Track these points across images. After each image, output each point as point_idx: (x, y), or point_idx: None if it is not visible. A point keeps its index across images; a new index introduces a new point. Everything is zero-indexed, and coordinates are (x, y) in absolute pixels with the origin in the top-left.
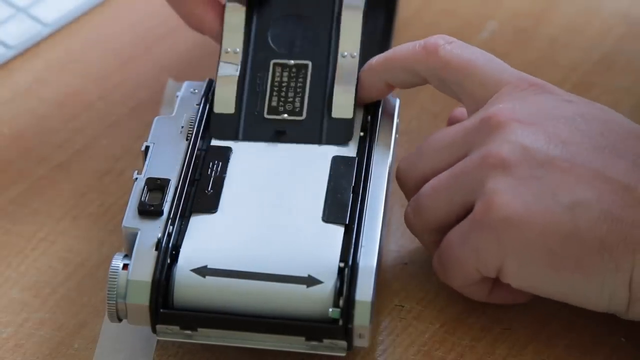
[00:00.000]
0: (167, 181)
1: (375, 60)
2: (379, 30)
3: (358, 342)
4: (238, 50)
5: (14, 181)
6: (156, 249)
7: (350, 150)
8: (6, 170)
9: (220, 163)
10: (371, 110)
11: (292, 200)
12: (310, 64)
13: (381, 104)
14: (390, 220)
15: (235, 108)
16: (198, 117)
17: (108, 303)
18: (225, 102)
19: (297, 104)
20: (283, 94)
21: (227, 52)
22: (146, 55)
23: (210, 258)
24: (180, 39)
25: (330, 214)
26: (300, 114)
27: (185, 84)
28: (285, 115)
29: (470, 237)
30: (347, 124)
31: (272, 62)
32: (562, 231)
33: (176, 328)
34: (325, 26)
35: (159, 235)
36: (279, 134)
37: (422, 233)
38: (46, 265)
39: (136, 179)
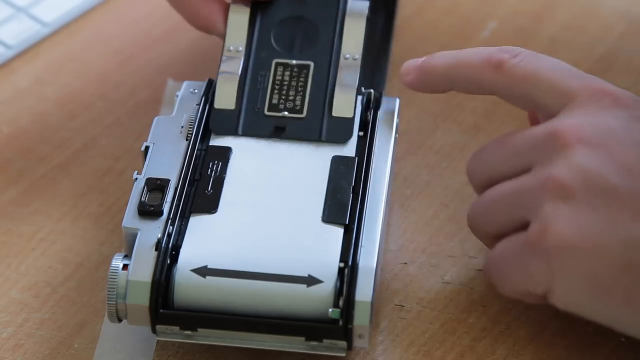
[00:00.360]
0: (167, 181)
1: (439, 61)
2: (379, 29)
3: (358, 342)
4: (241, 48)
5: (14, 181)
6: (156, 249)
7: (350, 150)
8: (6, 170)
9: (220, 163)
10: (371, 110)
11: (292, 201)
12: (312, 64)
13: (381, 104)
14: (390, 220)
15: (236, 104)
16: (198, 117)
17: (108, 303)
18: (226, 98)
19: (298, 102)
20: (284, 92)
21: (229, 50)
22: (146, 55)
23: (210, 258)
24: (180, 39)
25: (330, 214)
26: (301, 112)
27: (185, 83)
28: (286, 112)
29: (521, 256)
30: (347, 122)
31: (274, 61)
32: (615, 265)
33: (176, 328)
34: (328, 29)
35: (159, 235)
36: (279, 130)
37: (481, 237)
38: (46, 265)
39: (136, 179)
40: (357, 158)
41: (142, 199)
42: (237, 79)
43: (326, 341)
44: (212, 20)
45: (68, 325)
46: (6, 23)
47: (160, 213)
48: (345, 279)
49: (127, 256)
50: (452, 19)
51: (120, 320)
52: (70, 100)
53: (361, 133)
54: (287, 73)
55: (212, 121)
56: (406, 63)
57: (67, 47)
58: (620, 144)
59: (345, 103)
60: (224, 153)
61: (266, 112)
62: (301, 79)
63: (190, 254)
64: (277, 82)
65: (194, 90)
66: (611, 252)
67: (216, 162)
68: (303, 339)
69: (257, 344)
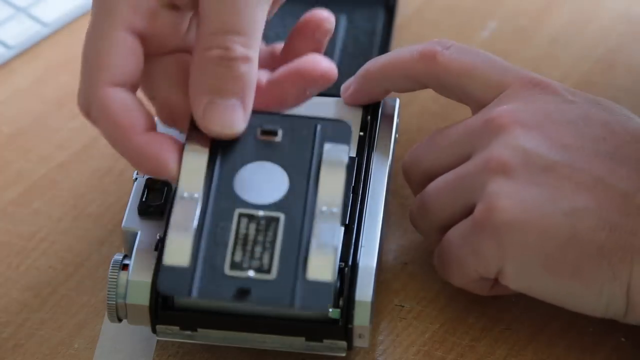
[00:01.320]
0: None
1: (373, 66)
2: (379, 28)
3: (358, 342)
4: (197, 195)
5: (14, 181)
6: (156, 249)
7: (349, 150)
8: (6, 170)
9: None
10: (371, 110)
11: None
12: (282, 216)
13: (381, 104)
14: (390, 220)
15: (190, 261)
16: None
17: (108, 303)
18: (178, 253)
19: (266, 261)
20: (249, 248)
21: (183, 198)
22: None
23: None
24: None
25: None
26: (269, 272)
27: None
28: (251, 272)
29: (470, 238)
30: (326, 288)
31: (236, 211)
32: (561, 237)
33: (176, 328)
34: (301, 176)
35: (159, 235)
36: (242, 293)
37: (427, 232)
38: (46, 265)
39: (136, 179)
40: (357, 158)
41: (143, 199)
42: (193, 231)
43: (326, 341)
44: (163, 162)
45: (68, 325)
46: (6, 23)
47: (161, 213)
48: (346, 279)
49: (127, 256)
50: (452, 19)
51: (120, 320)
52: (70, 100)
53: (361, 133)
54: (253, 226)
55: (160, 281)
56: (344, 83)
57: (67, 47)
58: (554, 123)
59: (324, 264)
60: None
61: (227, 272)
62: (269, 234)
63: None
64: (241, 236)
65: None
66: (556, 225)
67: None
68: (303, 339)
69: (257, 344)
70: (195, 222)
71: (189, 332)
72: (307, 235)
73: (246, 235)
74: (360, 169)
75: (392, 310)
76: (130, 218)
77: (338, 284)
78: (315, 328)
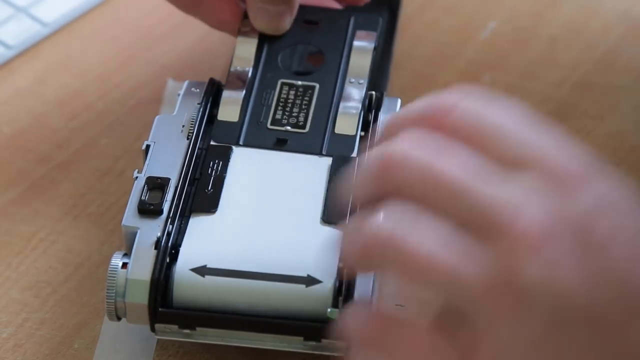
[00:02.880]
0: (168, 180)
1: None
2: (382, 29)
3: None
4: (247, 69)
5: (14, 181)
6: (155, 248)
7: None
8: (6, 170)
9: (221, 162)
10: (372, 110)
11: (292, 201)
12: (317, 85)
13: (382, 104)
14: None
15: (239, 117)
16: (199, 116)
17: (107, 301)
18: (229, 111)
19: (301, 119)
20: (288, 109)
21: (236, 70)
22: (146, 55)
23: (210, 257)
24: (180, 39)
25: (330, 215)
26: (304, 128)
27: (187, 83)
28: (289, 127)
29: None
30: (350, 140)
31: (279, 81)
32: None
33: (175, 327)
34: (335, 55)
35: (159, 234)
36: (281, 142)
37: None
38: (46, 265)
39: (136, 177)
40: (357, 158)
41: (142, 197)
42: (242, 94)
43: (325, 341)
44: (233, 25)
45: (68, 325)
46: (6, 23)
47: (160, 212)
48: (345, 279)
49: (127, 255)
50: (452, 19)
51: (119, 318)
52: (70, 100)
53: (362, 133)
54: (292, 92)
55: (214, 132)
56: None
57: (67, 47)
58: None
59: (349, 122)
60: (225, 152)
61: (269, 126)
62: (306, 98)
63: (190, 253)
64: (282, 99)
65: (196, 89)
66: None
67: (217, 161)
68: (302, 338)
69: (255, 343)
70: (245, 87)
71: (187, 331)
72: (337, 100)
73: (286, 99)
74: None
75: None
76: (130, 217)
77: (337, 284)
78: (314, 328)
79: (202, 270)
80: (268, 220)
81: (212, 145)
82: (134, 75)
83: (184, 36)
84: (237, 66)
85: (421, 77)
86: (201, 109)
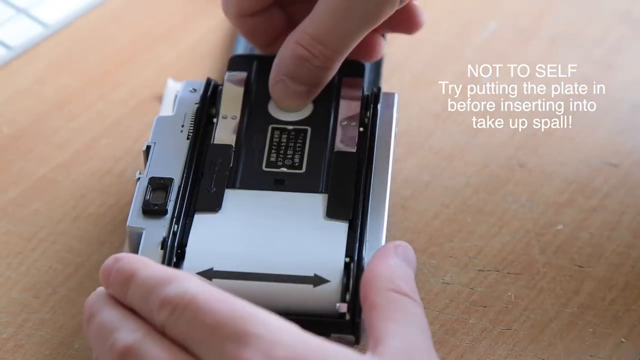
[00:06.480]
0: (170, 180)
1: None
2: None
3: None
4: (236, 116)
5: (14, 181)
6: (162, 248)
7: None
8: (6, 170)
9: (222, 161)
10: (370, 106)
11: (295, 198)
12: (309, 129)
13: (380, 99)
14: (391, 221)
15: (232, 162)
16: (199, 116)
17: None
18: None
19: (297, 160)
20: (282, 151)
21: (224, 118)
22: (146, 55)
23: (216, 260)
24: (180, 39)
25: (334, 210)
26: (300, 168)
27: (184, 82)
28: (284, 168)
29: None
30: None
31: (270, 126)
32: None
33: None
34: (324, 103)
35: (164, 234)
36: (278, 182)
37: None
38: (46, 266)
39: (139, 178)
40: (358, 153)
41: (146, 198)
42: (233, 141)
43: (334, 335)
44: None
45: (68, 325)
46: (7, 24)
47: (165, 212)
48: (352, 274)
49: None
50: (452, 19)
51: None
52: (70, 100)
53: (361, 129)
54: (285, 136)
55: (205, 178)
56: None
57: (67, 48)
58: None
59: (346, 158)
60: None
61: (264, 168)
62: (299, 141)
63: (196, 256)
64: (274, 143)
65: (194, 89)
66: None
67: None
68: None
69: None
70: (234, 136)
71: None
72: (331, 139)
73: (279, 143)
74: (362, 164)
75: None
76: (134, 217)
77: (344, 279)
78: (323, 322)
79: (209, 274)
80: (272, 217)
81: (213, 144)
82: (134, 75)
83: (184, 36)
84: (227, 113)
85: (421, 77)
86: (200, 109)
